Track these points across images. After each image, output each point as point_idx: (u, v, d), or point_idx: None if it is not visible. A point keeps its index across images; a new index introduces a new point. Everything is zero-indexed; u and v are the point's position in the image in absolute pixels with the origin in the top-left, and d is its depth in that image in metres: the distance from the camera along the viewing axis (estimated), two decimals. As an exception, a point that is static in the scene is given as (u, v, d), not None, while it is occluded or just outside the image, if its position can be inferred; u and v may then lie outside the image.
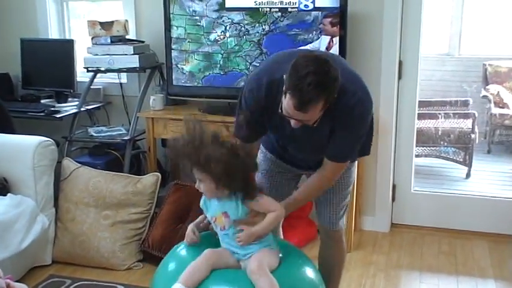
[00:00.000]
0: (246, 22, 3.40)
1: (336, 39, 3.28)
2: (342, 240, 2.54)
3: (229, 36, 3.45)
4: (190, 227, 2.13)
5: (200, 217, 2.15)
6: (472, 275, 3.23)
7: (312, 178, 2.21)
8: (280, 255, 2.06)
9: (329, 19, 3.27)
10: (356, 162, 2.43)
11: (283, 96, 1.94)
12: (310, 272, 2.11)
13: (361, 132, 2.14)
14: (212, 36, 3.48)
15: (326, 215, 2.42)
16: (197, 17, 3.48)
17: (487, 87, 5.99)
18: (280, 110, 1.99)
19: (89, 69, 3.76)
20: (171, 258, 2.16)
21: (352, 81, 2.06)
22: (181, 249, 2.15)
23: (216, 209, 2.01)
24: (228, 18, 3.43)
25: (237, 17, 3.41)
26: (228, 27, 3.44)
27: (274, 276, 1.91)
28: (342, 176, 2.32)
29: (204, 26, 3.48)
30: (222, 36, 3.46)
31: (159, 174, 3.41)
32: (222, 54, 3.49)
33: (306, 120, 1.96)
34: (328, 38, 3.29)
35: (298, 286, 2.05)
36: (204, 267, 1.95)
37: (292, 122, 1.98)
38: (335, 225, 2.44)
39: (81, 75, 3.92)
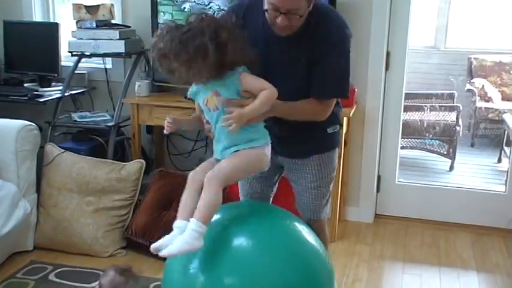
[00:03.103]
0: (234, 9, 3.37)
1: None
2: (324, 230, 2.49)
3: (217, 23, 3.41)
4: (168, 116, 2.04)
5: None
6: (455, 266, 3.25)
7: (302, 102, 2.12)
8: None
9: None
10: (337, 150, 2.40)
11: None
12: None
13: (341, 61, 2.09)
14: (199, 23, 3.44)
15: (307, 204, 2.38)
16: (184, 3, 3.44)
17: (472, 80, 6.02)
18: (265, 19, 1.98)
19: (74, 53, 3.71)
20: None
21: (330, 10, 2.14)
22: None
23: (206, 91, 1.94)
24: (216, 5, 3.39)
25: (224, 3, 3.37)
26: (215, 14, 3.40)
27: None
28: (321, 164, 2.31)
29: (191, 12, 3.44)
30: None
31: (143, 161, 3.39)
32: (209, 41, 3.45)
33: (293, 10, 1.91)
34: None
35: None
36: (194, 195, 1.90)
37: (279, 19, 1.94)
38: (316, 215, 2.40)
39: (66, 59, 3.87)
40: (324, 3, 2.05)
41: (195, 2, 3.42)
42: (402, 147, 4.40)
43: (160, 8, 3.48)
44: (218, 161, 1.98)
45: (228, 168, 1.91)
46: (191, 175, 1.96)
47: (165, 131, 2.04)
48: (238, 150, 1.94)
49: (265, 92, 1.91)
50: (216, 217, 1.93)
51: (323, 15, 2.05)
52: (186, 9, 3.44)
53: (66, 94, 3.77)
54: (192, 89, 2.00)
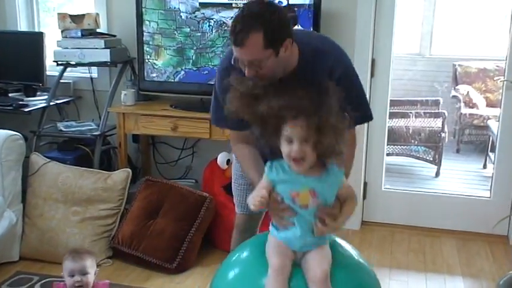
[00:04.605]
0: (219, 18, 3.38)
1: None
2: None
3: (202, 32, 3.43)
4: (260, 191, 1.74)
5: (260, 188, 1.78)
6: (441, 272, 3.27)
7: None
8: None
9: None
10: None
11: None
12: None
13: (356, 87, 2.04)
14: (185, 32, 3.45)
15: None
16: (170, 12, 3.45)
17: (457, 87, 6.08)
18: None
19: (59, 62, 3.70)
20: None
21: (322, 42, 2.04)
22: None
23: (300, 184, 1.73)
24: (201, 14, 3.40)
25: (210, 12, 3.39)
26: (201, 23, 3.42)
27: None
28: None
29: (177, 21, 3.45)
30: (194, 32, 3.44)
31: (129, 170, 3.38)
32: (194, 50, 3.46)
33: (255, 61, 1.80)
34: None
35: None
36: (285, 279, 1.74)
37: (246, 70, 1.85)
38: None
39: (51, 68, 3.85)
40: (311, 34, 1.91)
41: (180, 10, 3.43)
42: (388, 154, 4.43)
43: (145, 17, 3.49)
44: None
45: (328, 266, 1.78)
46: (278, 264, 1.76)
47: (253, 207, 1.73)
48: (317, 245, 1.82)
49: (353, 202, 1.83)
50: None
51: (317, 52, 1.96)
52: (172, 19, 3.45)
53: (51, 103, 3.75)
54: (275, 175, 1.77)
